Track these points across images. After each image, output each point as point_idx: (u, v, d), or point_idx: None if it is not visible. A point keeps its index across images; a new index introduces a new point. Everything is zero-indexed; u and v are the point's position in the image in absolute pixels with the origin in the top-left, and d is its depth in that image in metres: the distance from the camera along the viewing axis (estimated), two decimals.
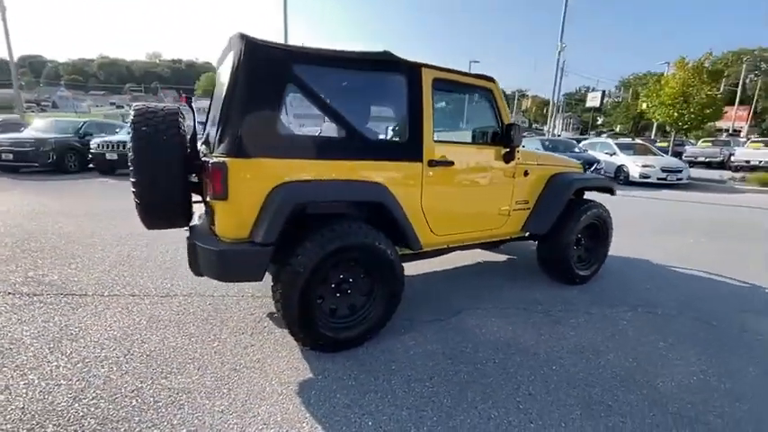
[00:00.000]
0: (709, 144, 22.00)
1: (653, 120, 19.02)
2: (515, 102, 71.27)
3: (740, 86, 39.95)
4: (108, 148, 10.52)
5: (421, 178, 2.72)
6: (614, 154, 13.20)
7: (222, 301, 3.18)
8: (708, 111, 14.70)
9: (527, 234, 3.62)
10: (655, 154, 13.44)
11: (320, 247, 2.26)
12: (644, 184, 12.18)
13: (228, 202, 2.16)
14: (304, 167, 2.32)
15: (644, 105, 17.77)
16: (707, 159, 20.19)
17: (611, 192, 4.07)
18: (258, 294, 3.31)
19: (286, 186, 2.23)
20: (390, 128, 3.46)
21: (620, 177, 12.63)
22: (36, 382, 2.10)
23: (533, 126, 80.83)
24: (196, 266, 2.36)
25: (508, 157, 3.16)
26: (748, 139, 21.07)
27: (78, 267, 3.79)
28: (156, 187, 2.33)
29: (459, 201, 3.04)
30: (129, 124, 2.40)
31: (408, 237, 2.62)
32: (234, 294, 3.30)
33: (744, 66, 42.71)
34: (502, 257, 4.71)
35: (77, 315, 2.85)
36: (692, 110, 14.56)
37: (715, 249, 5.33)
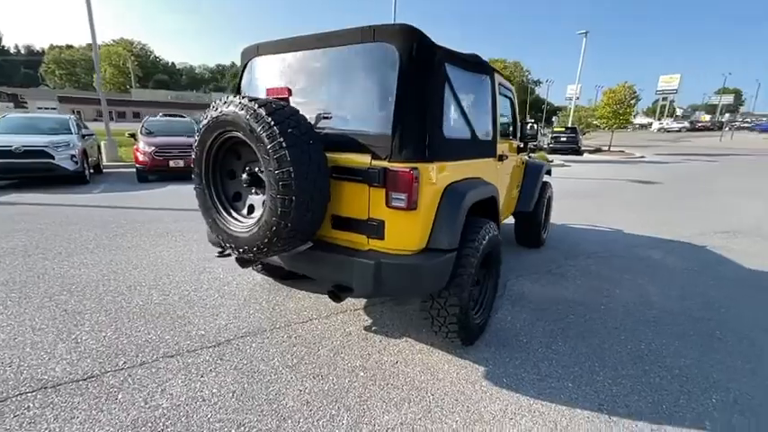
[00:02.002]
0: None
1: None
2: None
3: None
4: None
5: (496, 172, 3.02)
6: None
7: (303, 329, 2.71)
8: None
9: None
10: None
11: (482, 245, 2.32)
12: None
13: (417, 212, 1.98)
14: (456, 169, 2.31)
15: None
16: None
17: (549, 173, 5.27)
18: (324, 315, 2.96)
19: (454, 189, 2.19)
20: (483, 126, 3.54)
21: None
22: None
23: None
24: (373, 287, 2.03)
25: (520, 150, 3.76)
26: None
27: None
28: (313, 204, 1.88)
29: (505, 189, 3.46)
30: (250, 124, 1.82)
31: (498, 226, 2.90)
32: (306, 320, 2.84)
33: None
34: None
35: None
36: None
37: (586, 207, 7.46)
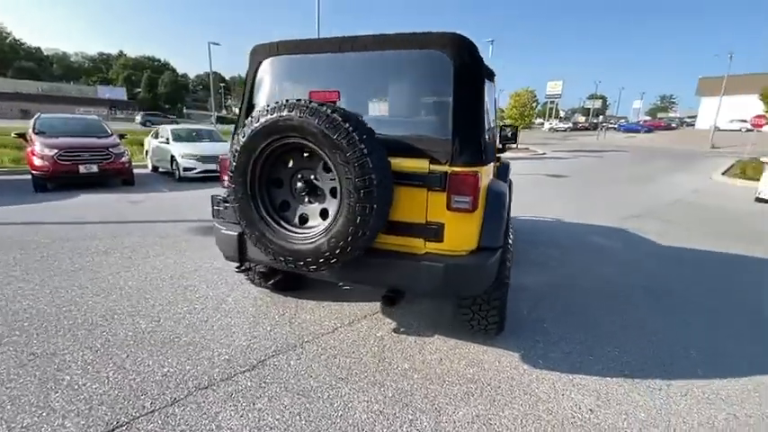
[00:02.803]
0: None
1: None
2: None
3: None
4: None
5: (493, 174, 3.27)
6: None
7: (333, 340, 2.61)
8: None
9: None
10: None
11: (513, 240, 2.51)
12: None
13: (475, 213, 2.08)
14: (489, 172, 2.45)
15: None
16: None
17: None
18: (346, 322, 2.90)
19: (493, 190, 2.32)
20: (492, 131, 3.62)
21: None
22: None
23: None
24: (441, 288, 2.07)
25: (499, 152, 4.09)
26: None
27: None
28: (385, 211, 1.86)
29: None
30: (324, 130, 1.73)
31: None
32: (332, 331, 2.74)
33: None
34: None
35: None
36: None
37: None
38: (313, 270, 2.06)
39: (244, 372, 2.29)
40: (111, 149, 8.41)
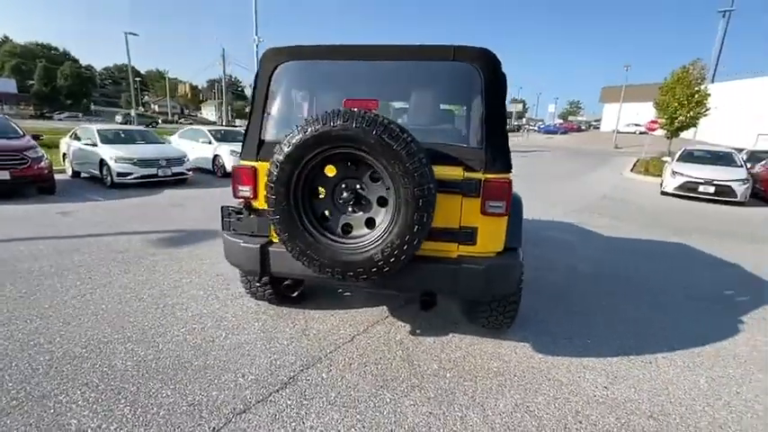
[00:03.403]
0: None
1: None
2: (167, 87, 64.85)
3: None
4: None
5: None
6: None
7: (356, 348, 2.59)
8: None
9: None
10: None
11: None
12: None
13: (504, 217, 2.22)
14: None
15: None
16: None
17: None
18: (362, 329, 2.89)
19: (514, 195, 2.49)
20: None
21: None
22: None
23: (185, 112, 77.15)
24: (482, 290, 2.17)
25: None
26: None
27: None
28: (429, 223, 1.90)
29: None
30: (383, 140, 1.73)
31: None
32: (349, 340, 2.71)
33: None
34: None
35: None
36: None
37: None
38: (363, 280, 2.04)
39: (278, 390, 2.19)
40: (25, 153, 7.26)
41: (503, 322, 2.72)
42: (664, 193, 10.68)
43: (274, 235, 2.42)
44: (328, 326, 2.93)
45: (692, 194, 9.92)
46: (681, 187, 10.09)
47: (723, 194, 9.61)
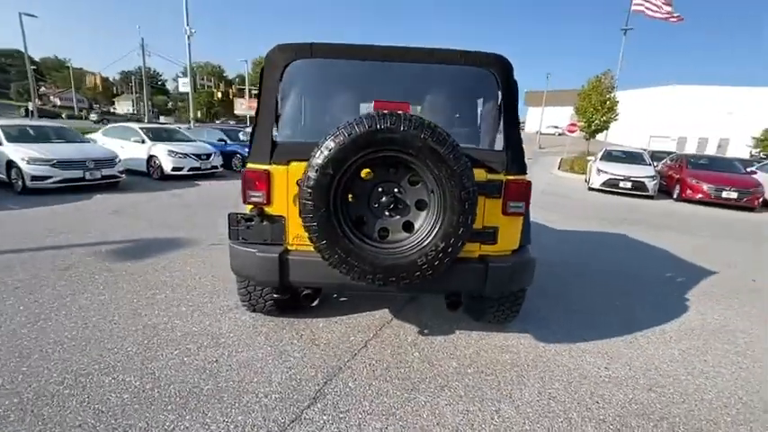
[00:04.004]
0: None
1: None
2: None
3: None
4: None
5: None
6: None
7: (373, 353, 2.54)
8: None
9: None
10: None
11: None
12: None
13: (522, 216, 2.34)
14: None
15: None
16: None
17: None
18: (372, 334, 2.85)
19: None
20: None
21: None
22: None
23: (95, 107, 68.74)
24: (508, 286, 2.25)
25: None
26: None
27: None
28: (472, 225, 1.93)
29: None
30: (429, 144, 1.72)
31: None
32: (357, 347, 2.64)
33: None
34: None
35: None
36: None
37: None
38: (404, 285, 2.00)
39: (308, 407, 2.08)
40: None
41: (509, 316, 2.86)
42: (591, 189, 11.98)
43: (290, 242, 2.29)
44: (336, 334, 2.84)
45: (614, 189, 11.26)
46: (605, 183, 11.39)
47: (638, 189, 11.05)
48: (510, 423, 2.04)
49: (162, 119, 47.79)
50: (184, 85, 37.17)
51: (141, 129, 10.95)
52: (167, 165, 9.98)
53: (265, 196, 2.22)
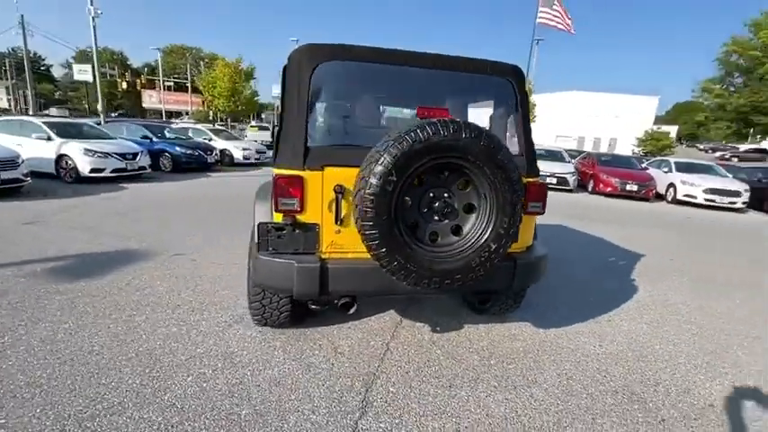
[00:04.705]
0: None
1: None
2: None
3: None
4: None
5: None
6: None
7: (397, 356, 2.55)
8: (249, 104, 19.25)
9: None
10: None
11: None
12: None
13: (539, 214, 2.54)
14: None
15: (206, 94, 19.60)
16: None
17: None
18: (388, 337, 2.86)
19: None
20: None
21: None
22: None
23: None
24: (531, 282, 2.40)
25: None
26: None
27: None
28: (519, 225, 2.06)
29: None
30: (489, 151, 1.80)
31: None
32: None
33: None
34: None
35: None
36: (241, 102, 18.31)
37: None
38: (458, 287, 2.04)
39: (361, 417, 2.03)
40: None
41: (512, 307, 3.08)
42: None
43: (323, 250, 2.21)
44: (355, 340, 2.79)
45: None
46: None
47: (561, 184, 12.44)
48: (546, 405, 2.23)
49: (53, 110, 41.00)
50: (81, 73, 32.22)
51: (45, 123, 9.34)
52: (84, 166, 8.68)
53: (299, 203, 2.11)
